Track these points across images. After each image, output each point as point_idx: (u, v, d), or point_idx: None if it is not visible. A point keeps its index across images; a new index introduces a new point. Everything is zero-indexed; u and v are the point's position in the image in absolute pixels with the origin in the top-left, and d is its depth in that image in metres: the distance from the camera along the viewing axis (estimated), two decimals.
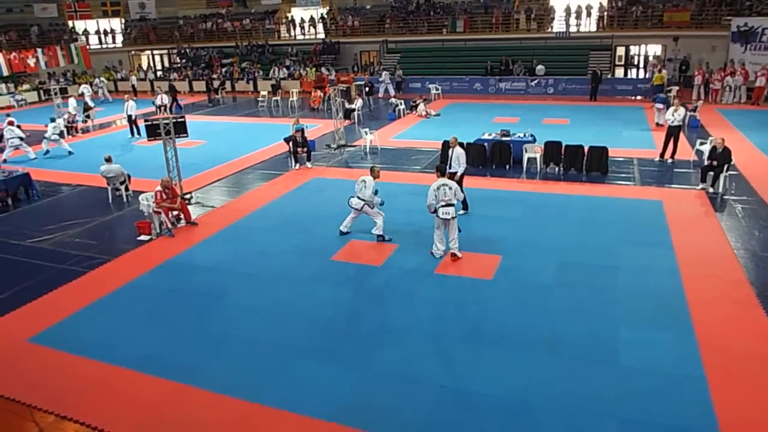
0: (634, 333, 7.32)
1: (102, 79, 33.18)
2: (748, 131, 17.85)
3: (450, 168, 11.14)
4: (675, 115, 14.60)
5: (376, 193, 10.42)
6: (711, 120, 19.67)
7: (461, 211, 11.36)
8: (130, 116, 21.17)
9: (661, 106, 19.19)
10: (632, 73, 30.67)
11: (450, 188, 9.32)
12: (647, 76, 26.90)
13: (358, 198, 10.41)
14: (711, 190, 12.47)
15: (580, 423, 5.83)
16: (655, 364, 6.67)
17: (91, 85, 30.53)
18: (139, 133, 20.73)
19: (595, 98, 25.11)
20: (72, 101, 24.83)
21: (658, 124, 19.02)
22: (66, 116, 22.08)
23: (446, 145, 15.51)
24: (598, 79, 24.96)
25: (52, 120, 19.74)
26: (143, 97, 31.14)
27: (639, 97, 25.40)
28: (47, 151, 18.80)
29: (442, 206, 9.29)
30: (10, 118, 18.61)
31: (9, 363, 7.34)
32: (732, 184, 12.85)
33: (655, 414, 5.88)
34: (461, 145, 11.78)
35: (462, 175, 11.21)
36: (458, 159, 11.20)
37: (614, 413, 5.93)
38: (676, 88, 22.55)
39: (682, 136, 15.35)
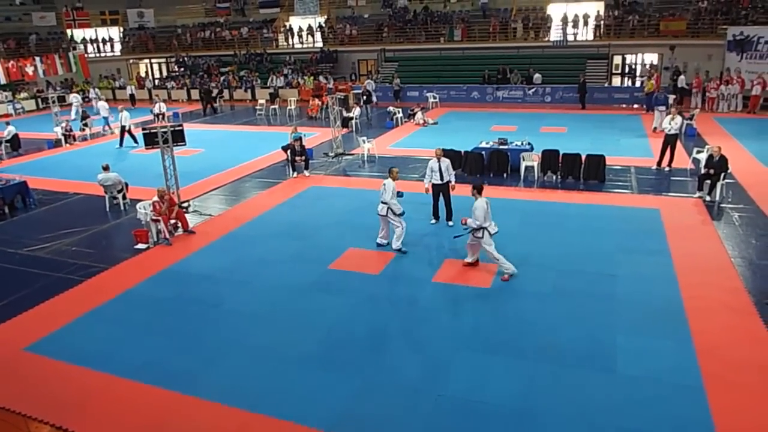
0: (632, 341, 7.32)
1: (97, 90, 33.01)
2: (745, 140, 17.93)
3: (442, 180, 11.22)
4: (672, 123, 14.65)
5: (401, 195, 10.25)
6: (708, 128, 19.75)
7: (433, 221, 11.68)
8: (123, 127, 20.73)
9: (662, 108, 19.25)
10: (618, 82, 30.76)
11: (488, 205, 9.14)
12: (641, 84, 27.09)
13: (382, 203, 10.23)
14: (708, 198, 12.50)
15: (577, 431, 5.83)
16: (653, 373, 6.67)
17: (83, 93, 30.47)
18: (136, 142, 20.51)
19: (584, 106, 25.47)
20: (103, 104, 25.12)
21: (655, 129, 19.07)
22: (63, 125, 22.08)
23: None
24: (584, 88, 25.35)
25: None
26: (142, 105, 31.18)
27: (635, 106, 25.50)
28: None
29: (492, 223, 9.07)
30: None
31: (5, 372, 7.30)
32: (729, 192, 12.88)
33: (652, 422, 5.87)
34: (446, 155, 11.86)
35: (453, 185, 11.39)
36: (448, 169, 11.29)
37: (612, 422, 5.92)
38: (673, 96, 22.66)
39: (678, 144, 15.40)
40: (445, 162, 11.30)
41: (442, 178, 11.24)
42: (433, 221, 11.70)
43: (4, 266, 10.68)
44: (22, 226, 13.02)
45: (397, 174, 10.50)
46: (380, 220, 10.52)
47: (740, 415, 5.98)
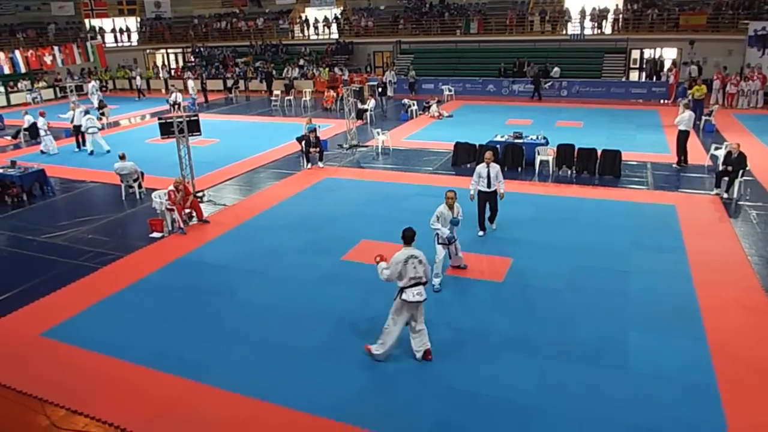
0: (645, 338, 7.27)
1: (95, 83, 32.68)
2: (764, 136, 17.64)
3: (490, 187, 10.31)
4: (678, 119, 14.54)
5: (456, 224, 8.75)
6: (726, 125, 19.48)
7: (480, 233, 10.64)
8: (77, 126, 19.07)
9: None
10: (636, 77, 30.35)
11: (420, 261, 6.82)
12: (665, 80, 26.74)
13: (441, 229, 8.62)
14: (725, 195, 12.35)
15: (588, 428, 5.79)
16: (666, 371, 6.62)
17: (101, 82, 30.54)
18: (82, 147, 19.06)
19: (539, 98, 26.00)
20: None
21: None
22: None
23: (458, 150, 15.54)
24: (539, 80, 25.88)
25: (87, 113, 19.17)
26: (158, 95, 31.35)
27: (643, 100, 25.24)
28: (92, 152, 18.48)
29: (411, 286, 6.75)
30: (41, 110, 19.32)
31: (21, 357, 7.42)
32: (747, 189, 12.72)
33: (664, 421, 5.83)
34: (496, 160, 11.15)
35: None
36: (498, 177, 10.32)
37: (623, 419, 5.89)
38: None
39: (697, 140, 15.18)
40: (495, 168, 10.30)
41: (489, 186, 10.30)
42: (481, 233, 10.66)
43: (22, 253, 10.83)
44: (40, 213, 13.19)
45: (453, 200, 8.64)
46: (437, 251, 8.75)
47: (754, 414, 5.92)
